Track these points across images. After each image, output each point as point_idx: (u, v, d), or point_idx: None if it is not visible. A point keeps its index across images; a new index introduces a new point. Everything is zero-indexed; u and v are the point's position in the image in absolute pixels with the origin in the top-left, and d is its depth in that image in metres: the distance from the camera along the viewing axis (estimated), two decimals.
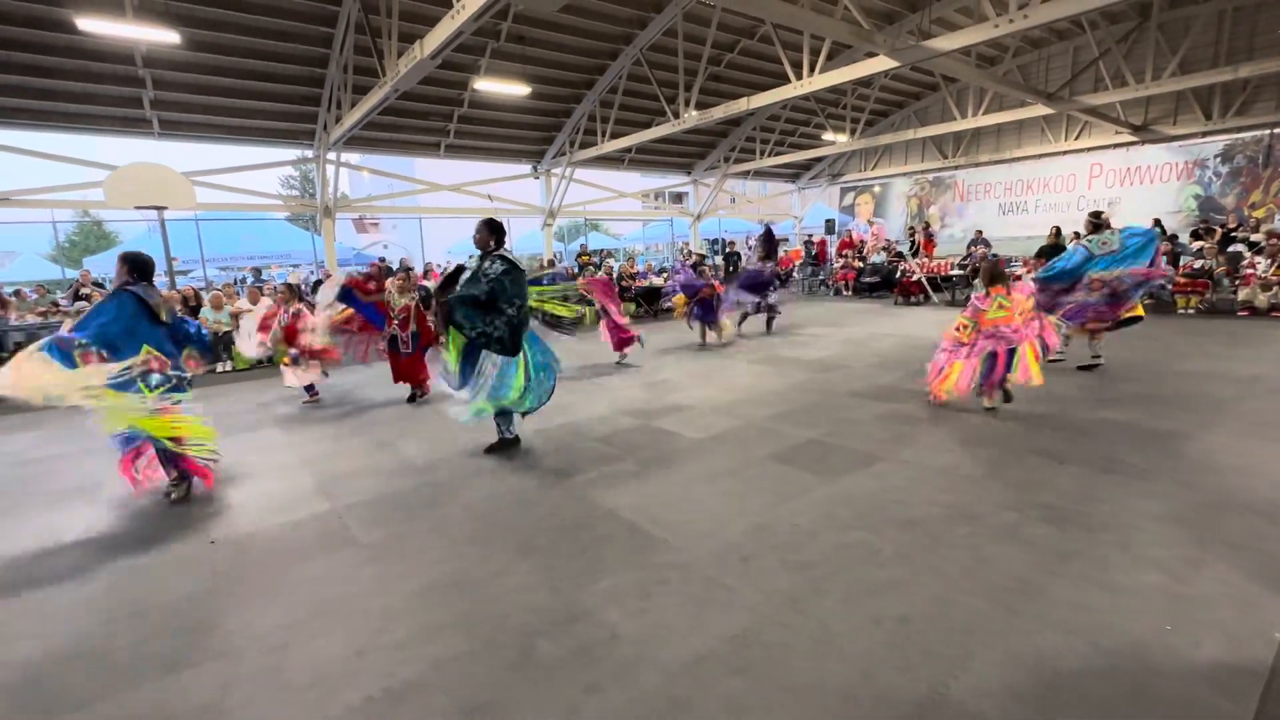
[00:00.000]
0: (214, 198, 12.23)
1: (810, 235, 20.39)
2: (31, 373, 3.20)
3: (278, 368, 6.74)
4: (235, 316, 8.91)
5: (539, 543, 3.06)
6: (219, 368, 8.69)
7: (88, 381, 3.25)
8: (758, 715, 1.88)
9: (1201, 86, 11.95)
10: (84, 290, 10.44)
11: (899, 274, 14.08)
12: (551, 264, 15.20)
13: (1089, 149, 14.74)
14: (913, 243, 15.69)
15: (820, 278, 17.13)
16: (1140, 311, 5.95)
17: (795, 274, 17.98)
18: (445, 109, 13.01)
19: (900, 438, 4.41)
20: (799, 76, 9.98)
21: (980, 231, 15.20)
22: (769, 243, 9.84)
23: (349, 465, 4.40)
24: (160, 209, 9.31)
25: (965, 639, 2.18)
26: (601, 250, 22.35)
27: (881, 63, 8.68)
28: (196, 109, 10.98)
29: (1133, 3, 12.17)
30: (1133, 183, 14.17)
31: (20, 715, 2.02)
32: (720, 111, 11.58)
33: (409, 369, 6.30)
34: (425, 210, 17.42)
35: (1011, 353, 4.74)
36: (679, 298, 8.89)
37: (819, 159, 19.54)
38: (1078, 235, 11.71)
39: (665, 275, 15.20)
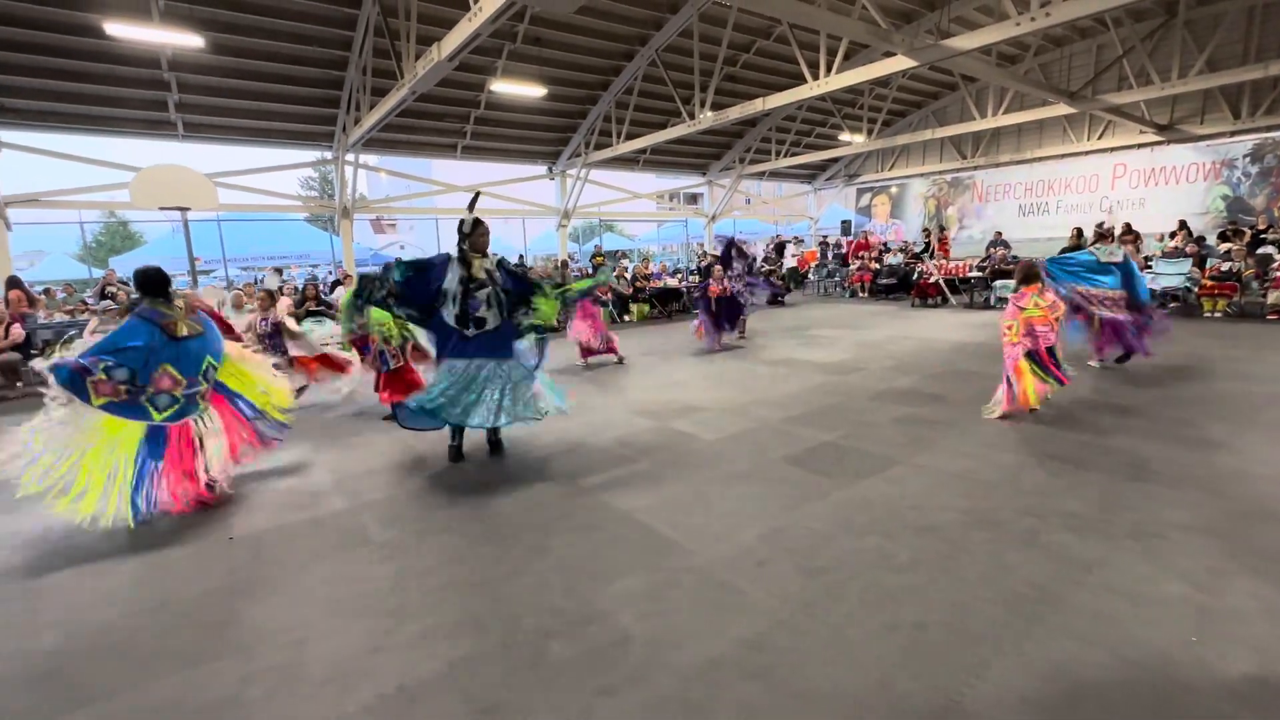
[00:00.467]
0: (235, 199, 12.45)
1: (826, 236, 20.27)
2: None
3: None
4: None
5: (553, 544, 3.07)
6: None
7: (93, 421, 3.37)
8: None
9: (1230, 84, 11.68)
10: (110, 289, 10.66)
11: (916, 276, 13.92)
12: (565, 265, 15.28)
13: (1112, 149, 14.48)
14: (927, 244, 15.53)
15: (836, 279, 17.02)
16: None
17: (811, 275, 17.89)
18: (462, 110, 13.13)
19: (918, 442, 4.35)
20: (815, 77, 9.92)
21: (1000, 233, 14.99)
22: (728, 255, 8.95)
23: (366, 464, 4.45)
24: (183, 210, 9.49)
25: (983, 647, 2.15)
26: (616, 251, 22.40)
27: (899, 62, 8.61)
28: (219, 111, 11.19)
29: None
30: (1158, 183, 13.89)
31: (45, 705, 2.07)
32: (736, 112, 11.55)
33: (405, 381, 5.33)
34: (441, 211, 17.58)
35: (1050, 349, 4.73)
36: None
37: (835, 160, 19.42)
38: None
39: (679, 276, 15.20)
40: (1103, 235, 6.08)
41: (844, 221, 20.63)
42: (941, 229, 16.05)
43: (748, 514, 3.31)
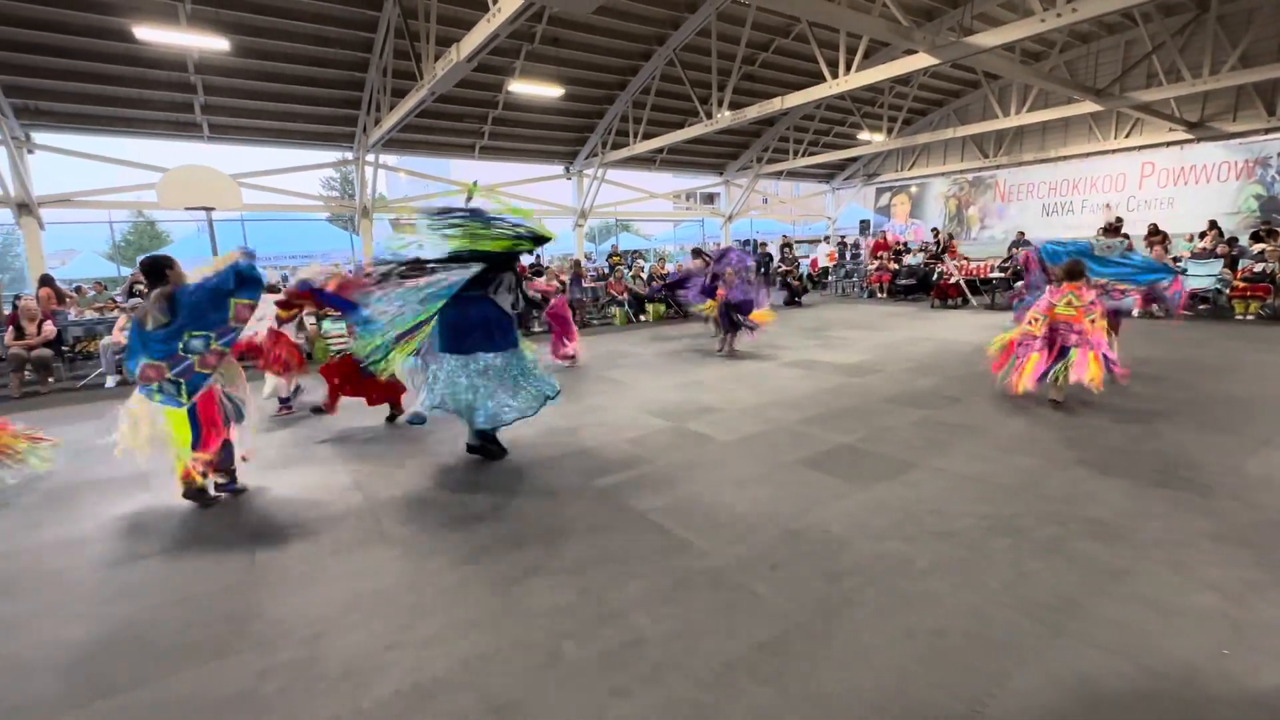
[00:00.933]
0: (259, 199, 12.66)
1: (844, 237, 20.08)
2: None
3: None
4: None
5: (568, 544, 3.07)
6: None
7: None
8: None
9: (1264, 81, 11.34)
10: (138, 287, 10.90)
11: (936, 276, 13.73)
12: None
13: (1140, 147, 14.15)
14: (938, 244, 15.36)
15: (854, 280, 16.85)
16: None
17: (830, 275, 17.75)
18: (480, 111, 13.22)
19: (937, 445, 4.29)
20: (835, 75, 9.82)
21: (1022, 233, 14.73)
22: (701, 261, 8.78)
23: (383, 462, 4.49)
24: (208, 209, 9.67)
25: (1004, 656, 2.11)
26: (632, 251, 22.40)
27: (921, 60, 8.48)
28: (243, 113, 11.40)
29: None
30: (1187, 182, 13.56)
31: (71, 695, 2.12)
32: (754, 111, 11.48)
33: (386, 385, 5.15)
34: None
35: (1064, 351, 4.63)
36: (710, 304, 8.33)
37: (854, 159, 19.21)
38: (1127, 236, 11.27)
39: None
40: (1108, 230, 5.97)
41: (862, 221, 20.43)
42: (951, 237, 15.87)
43: (764, 516, 3.28)
